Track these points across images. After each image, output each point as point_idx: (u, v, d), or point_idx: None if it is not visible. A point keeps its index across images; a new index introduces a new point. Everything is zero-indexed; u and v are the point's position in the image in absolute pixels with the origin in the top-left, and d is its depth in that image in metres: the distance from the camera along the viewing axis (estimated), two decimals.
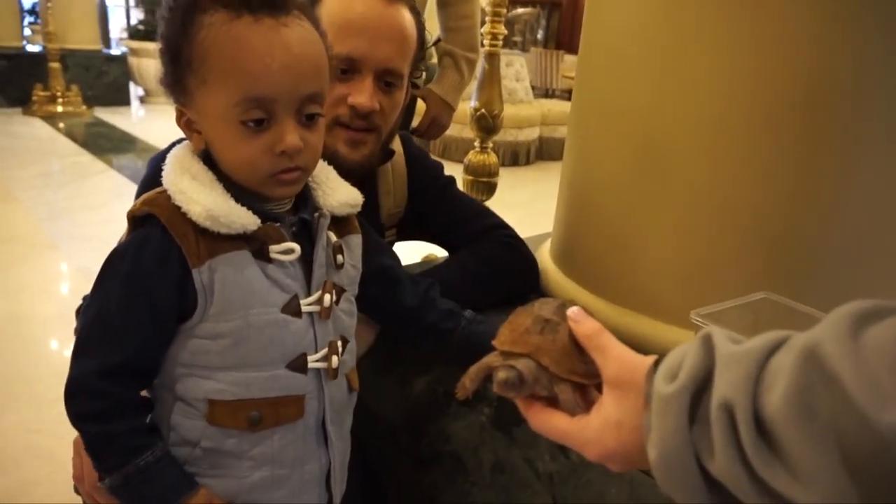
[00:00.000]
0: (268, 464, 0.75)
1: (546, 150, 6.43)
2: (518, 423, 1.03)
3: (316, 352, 0.75)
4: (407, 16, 1.00)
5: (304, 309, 0.74)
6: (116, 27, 11.17)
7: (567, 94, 9.07)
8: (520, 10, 10.74)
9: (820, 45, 0.84)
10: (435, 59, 1.88)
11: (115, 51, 8.69)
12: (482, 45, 1.85)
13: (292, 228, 0.75)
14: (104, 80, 7.67)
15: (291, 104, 0.68)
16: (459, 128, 5.18)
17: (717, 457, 0.39)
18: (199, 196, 0.69)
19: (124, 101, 7.93)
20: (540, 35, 11.06)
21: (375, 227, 1.07)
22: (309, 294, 0.75)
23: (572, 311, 0.54)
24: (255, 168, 0.70)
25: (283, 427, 0.75)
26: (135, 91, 8.40)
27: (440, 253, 1.45)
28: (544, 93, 8.47)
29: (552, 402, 0.54)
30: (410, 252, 1.04)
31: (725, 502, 0.41)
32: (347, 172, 0.87)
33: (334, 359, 0.77)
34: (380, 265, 0.90)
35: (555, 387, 0.52)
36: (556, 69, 8.89)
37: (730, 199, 0.91)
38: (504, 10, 2.06)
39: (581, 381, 0.53)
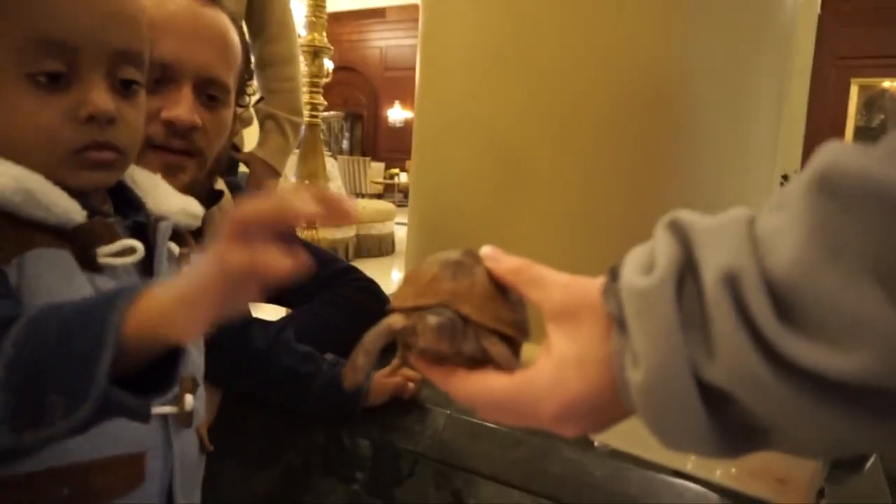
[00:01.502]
0: None
1: (364, 247, 6.44)
2: (400, 483, 0.88)
3: None
4: (226, 19, 0.87)
5: None
6: None
7: (377, 198, 9.35)
8: (325, 113, 11.01)
9: (655, 52, 0.89)
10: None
11: None
12: None
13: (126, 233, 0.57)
14: None
15: (100, 58, 0.53)
16: None
17: (720, 349, 0.30)
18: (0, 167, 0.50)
19: None
20: (345, 144, 11.38)
21: None
22: None
23: (487, 250, 0.43)
24: (54, 140, 0.52)
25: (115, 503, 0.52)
26: None
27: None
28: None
29: (476, 366, 0.41)
30: None
31: (722, 423, 0.32)
32: None
33: (188, 398, 0.57)
34: None
35: (482, 341, 0.41)
36: (365, 174, 9.15)
37: (587, 193, 0.92)
38: (322, 81, 2.05)
39: (510, 332, 0.41)
